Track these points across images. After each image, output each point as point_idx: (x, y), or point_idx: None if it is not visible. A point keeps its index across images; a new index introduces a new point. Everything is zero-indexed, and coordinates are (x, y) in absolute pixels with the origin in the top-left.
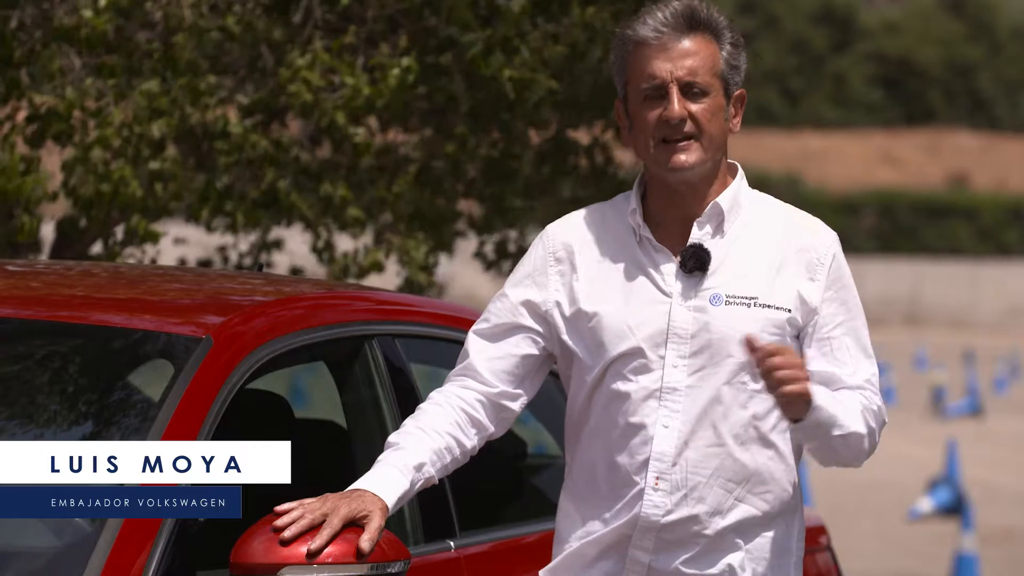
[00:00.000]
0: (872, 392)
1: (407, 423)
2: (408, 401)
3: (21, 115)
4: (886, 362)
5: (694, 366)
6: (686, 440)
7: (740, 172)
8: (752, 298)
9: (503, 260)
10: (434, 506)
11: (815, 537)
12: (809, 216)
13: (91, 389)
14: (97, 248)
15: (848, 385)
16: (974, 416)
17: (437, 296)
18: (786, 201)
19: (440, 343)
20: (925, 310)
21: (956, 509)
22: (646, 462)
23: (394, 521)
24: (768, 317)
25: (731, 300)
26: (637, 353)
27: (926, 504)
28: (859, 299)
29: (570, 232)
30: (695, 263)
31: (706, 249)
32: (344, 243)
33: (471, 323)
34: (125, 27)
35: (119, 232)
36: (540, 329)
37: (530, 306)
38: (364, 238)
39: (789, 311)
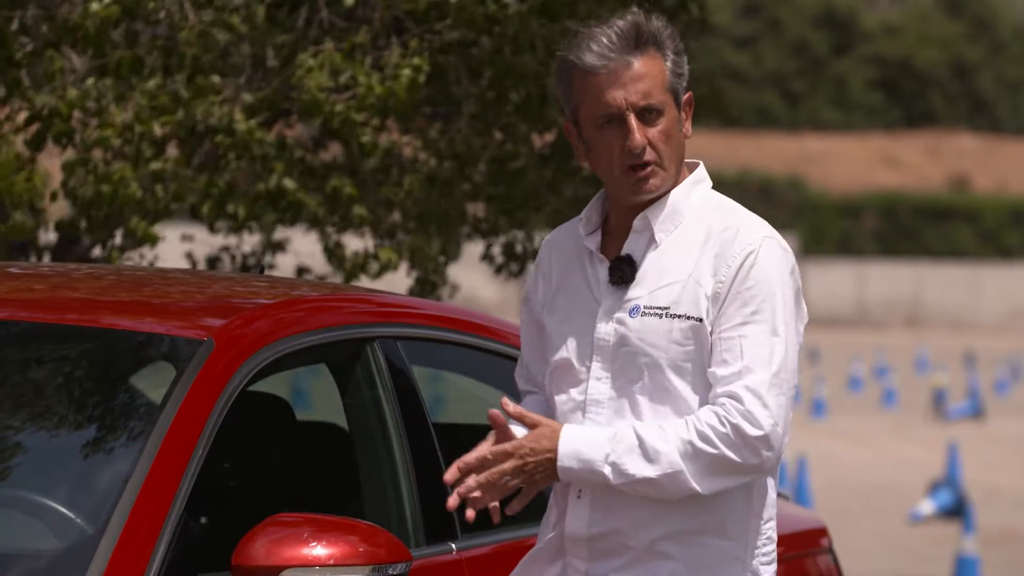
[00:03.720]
0: (734, 405)
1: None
2: (409, 403)
3: (22, 116)
4: (888, 364)
5: (616, 378)
6: None
7: (696, 175)
8: (664, 308)
9: (511, 262)
10: (435, 508)
11: (816, 539)
12: (744, 218)
13: (93, 392)
14: (96, 252)
15: (713, 393)
16: (975, 418)
17: (450, 295)
18: (789, 203)
19: (442, 345)
20: (926, 312)
21: (957, 511)
22: None
23: (395, 523)
24: (679, 327)
25: (647, 311)
26: (568, 365)
27: (927, 506)
28: (783, 306)
29: (551, 242)
30: (618, 275)
31: (632, 260)
32: (353, 244)
33: (472, 325)
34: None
35: (118, 236)
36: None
37: (532, 315)
38: (370, 239)
39: (700, 320)
